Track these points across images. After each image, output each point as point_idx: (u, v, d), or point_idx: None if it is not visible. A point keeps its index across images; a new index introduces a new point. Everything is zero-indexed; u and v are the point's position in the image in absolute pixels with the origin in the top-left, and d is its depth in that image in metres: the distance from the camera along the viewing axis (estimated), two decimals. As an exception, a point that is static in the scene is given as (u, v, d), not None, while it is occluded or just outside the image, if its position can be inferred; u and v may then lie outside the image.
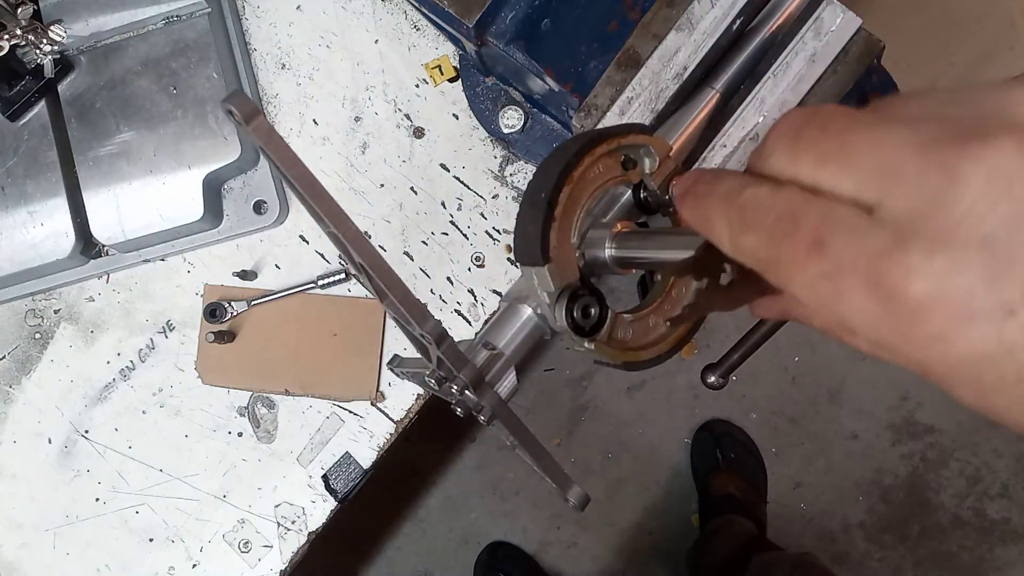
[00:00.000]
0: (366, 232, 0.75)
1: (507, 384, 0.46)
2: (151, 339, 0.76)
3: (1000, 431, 1.70)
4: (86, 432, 0.76)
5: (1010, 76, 0.24)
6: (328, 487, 0.74)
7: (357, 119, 0.75)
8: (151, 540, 0.75)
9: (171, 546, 0.75)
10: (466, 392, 0.42)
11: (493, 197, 0.74)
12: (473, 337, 0.66)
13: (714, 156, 0.54)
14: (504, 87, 0.70)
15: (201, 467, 0.75)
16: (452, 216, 0.74)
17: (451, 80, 0.74)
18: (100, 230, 0.71)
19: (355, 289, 0.75)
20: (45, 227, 0.72)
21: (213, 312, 0.73)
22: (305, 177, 0.34)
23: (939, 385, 0.23)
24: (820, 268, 0.23)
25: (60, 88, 0.72)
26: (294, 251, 0.75)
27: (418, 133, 0.75)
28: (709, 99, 0.54)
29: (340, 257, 0.75)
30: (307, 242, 0.76)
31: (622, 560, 1.73)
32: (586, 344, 0.44)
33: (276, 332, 0.75)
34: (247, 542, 0.74)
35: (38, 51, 0.70)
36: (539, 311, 0.47)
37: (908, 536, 1.71)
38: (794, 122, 0.26)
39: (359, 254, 0.36)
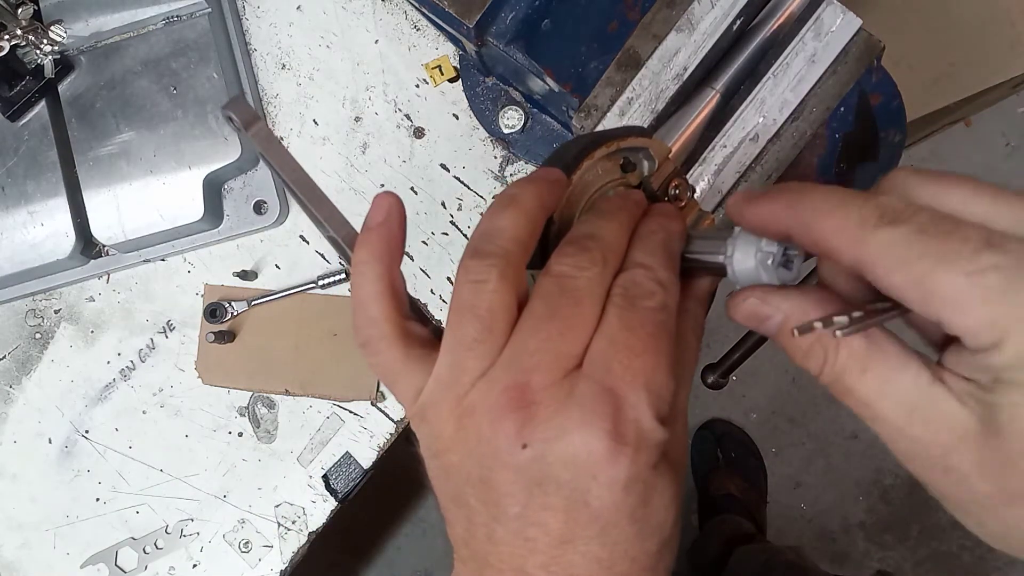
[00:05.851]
0: (366, 232, 0.75)
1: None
2: (151, 339, 0.76)
3: (1000, 431, 1.70)
4: (86, 432, 0.76)
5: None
6: (328, 487, 0.74)
7: (357, 119, 0.75)
8: (151, 540, 0.75)
9: (171, 546, 0.75)
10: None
11: (493, 197, 0.74)
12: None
13: (714, 156, 0.54)
14: (504, 87, 0.70)
15: (201, 467, 0.75)
16: (452, 216, 0.74)
17: (451, 80, 0.74)
18: (100, 230, 0.71)
19: (355, 289, 0.74)
20: (45, 227, 0.72)
21: (213, 312, 0.73)
22: (304, 182, 0.34)
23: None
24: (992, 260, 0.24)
25: (60, 88, 0.72)
26: (294, 251, 0.75)
27: (418, 133, 0.75)
28: (709, 99, 0.54)
29: (340, 258, 0.75)
30: (307, 242, 0.76)
31: (622, 560, 1.73)
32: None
33: (276, 332, 0.75)
34: (247, 542, 0.74)
35: (38, 51, 0.70)
36: (539, 312, 0.47)
37: (908, 536, 1.70)
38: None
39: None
